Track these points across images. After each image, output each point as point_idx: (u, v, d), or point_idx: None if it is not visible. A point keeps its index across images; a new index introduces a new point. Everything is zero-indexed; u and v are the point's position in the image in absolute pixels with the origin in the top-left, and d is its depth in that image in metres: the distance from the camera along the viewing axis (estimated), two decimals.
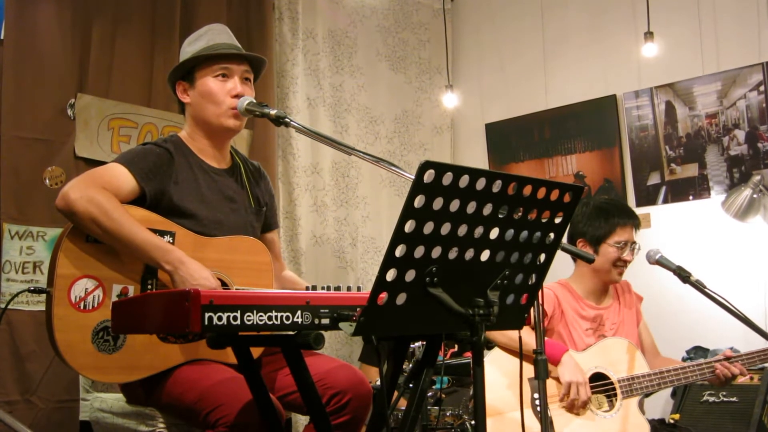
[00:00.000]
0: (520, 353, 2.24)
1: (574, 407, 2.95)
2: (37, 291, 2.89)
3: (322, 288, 1.88)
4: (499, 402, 2.85)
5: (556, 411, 2.96)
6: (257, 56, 2.60)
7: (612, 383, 3.06)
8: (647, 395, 3.13)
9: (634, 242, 3.21)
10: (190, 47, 2.55)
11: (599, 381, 3.06)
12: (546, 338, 3.08)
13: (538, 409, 2.89)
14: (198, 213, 2.41)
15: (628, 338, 3.18)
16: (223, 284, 2.35)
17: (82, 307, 2.19)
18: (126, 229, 2.20)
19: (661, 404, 3.55)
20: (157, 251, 2.20)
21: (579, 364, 2.99)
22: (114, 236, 2.19)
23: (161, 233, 2.29)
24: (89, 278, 2.21)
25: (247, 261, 2.45)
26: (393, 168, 2.23)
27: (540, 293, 2.10)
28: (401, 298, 1.66)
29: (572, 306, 3.22)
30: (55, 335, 2.15)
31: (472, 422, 2.92)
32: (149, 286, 2.28)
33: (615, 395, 3.05)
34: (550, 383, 3.00)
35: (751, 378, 3.59)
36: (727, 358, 3.07)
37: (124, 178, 2.31)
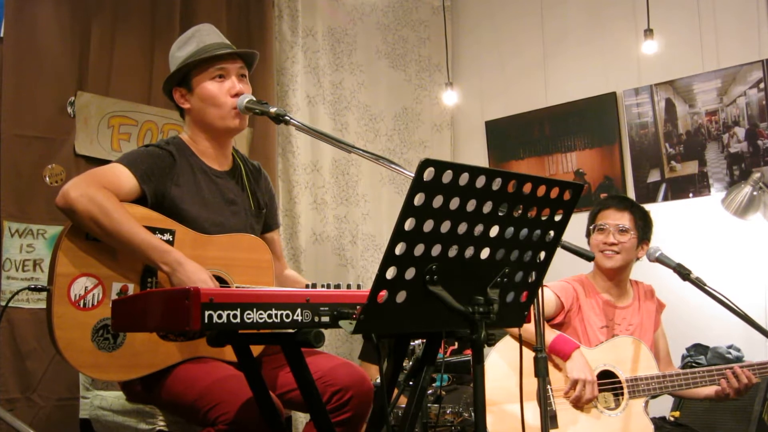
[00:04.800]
0: (520, 351, 2.24)
1: (579, 403, 2.96)
2: (37, 289, 2.90)
3: (322, 286, 1.88)
4: (505, 393, 2.85)
5: (561, 405, 2.96)
6: (251, 51, 2.60)
7: (620, 382, 3.06)
8: (653, 397, 3.13)
9: (618, 225, 3.20)
10: (180, 52, 2.52)
11: (608, 378, 3.06)
12: (560, 332, 3.09)
13: None
14: (199, 215, 2.41)
15: (643, 340, 3.18)
16: (223, 282, 2.35)
17: (81, 306, 2.19)
18: (125, 228, 2.20)
19: (661, 402, 3.55)
20: (155, 252, 2.20)
21: (589, 361, 3.00)
22: (113, 235, 2.19)
23: (161, 231, 2.29)
24: (89, 276, 2.21)
25: (247, 258, 2.45)
26: (393, 166, 2.23)
27: (540, 291, 2.10)
28: (401, 296, 1.66)
29: (589, 302, 3.23)
30: (55, 333, 2.15)
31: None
32: (149, 285, 2.28)
33: (622, 394, 3.04)
34: (560, 377, 3.01)
35: None
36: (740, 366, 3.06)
37: (124, 178, 2.31)
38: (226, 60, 2.50)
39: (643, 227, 3.26)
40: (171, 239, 2.31)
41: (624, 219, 3.22)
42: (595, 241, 3.25)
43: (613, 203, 3.30)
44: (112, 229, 2.19)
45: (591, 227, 3.28)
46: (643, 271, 3.40)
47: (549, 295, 3.17)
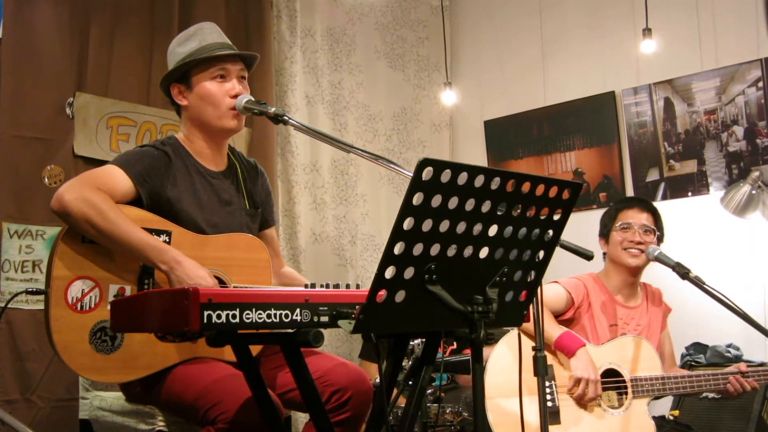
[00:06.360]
0: (519, 351, 2.23)
1: (582, 401, 2.96)
2: (35, 292, 2.90)
3: (321, 286, 1.88)
4: (510, 386, 2.83)
5: (565, 402, 2.96)
6: (253, 54, 2.60)
7: (624, 381, 3.06)
8: (657, 398, 3.14)
9: (644, 225, 3.24)
10: (181, 48, 2.51)
11: (612, 377, 3.06)
12: (567, 329, 3.09)
13: (548, 398, 2.90)
14: (195, 216, 2.40)
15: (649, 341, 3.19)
16: (222, 282, 2.35)
17: (79, 308, 2.19)
18: (121, 229, 2.19)
19: (660, 401, 3.55)
20: (153, 251, 2.19)
21: (594, 359, 3.00)
22: (109, 237, 2.19)
23: (157, 232, 2.29)
24: (85, 279, 2.21)
25: (245, 258, 2.45)
26: (392, 165, 2.23)
27: (539, 290, 2.10)
28: (400, 296, 1.66)
29: (600, 300, 3.24)
30: (53, 336, 2.15)
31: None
32: (146, 286, 2.28)
33: (626, 393, 3.05)
34: (565, 374, 3.01)
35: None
36: (743, 373, 3.08)
37: (119, 179, 2.31)
38: (227, 61, 2.49)
39: (662, 229, 3.32)
40: (168, 240, 2.30)
41: (648, 219, 3.28)
42: (618, 239, 3.26)
43: (636, 204, 3.34)
44: (108, 230, 2.18)
45: (616, 225, 3.28)
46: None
47: (559, 291, 3.19)
